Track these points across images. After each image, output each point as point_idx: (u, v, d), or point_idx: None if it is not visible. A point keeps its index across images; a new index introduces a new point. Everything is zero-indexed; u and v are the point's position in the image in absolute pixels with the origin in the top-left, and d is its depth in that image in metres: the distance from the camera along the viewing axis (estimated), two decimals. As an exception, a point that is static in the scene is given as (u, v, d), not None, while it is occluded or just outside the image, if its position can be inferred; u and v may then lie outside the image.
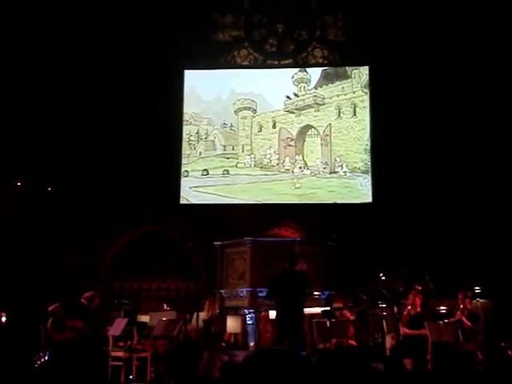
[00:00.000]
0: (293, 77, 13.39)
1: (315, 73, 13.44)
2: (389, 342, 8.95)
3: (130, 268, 12.93)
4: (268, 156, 13.22)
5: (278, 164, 13.17)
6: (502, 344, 8.57)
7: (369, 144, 12.92)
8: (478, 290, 9.79)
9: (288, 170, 13.10)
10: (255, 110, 13.40)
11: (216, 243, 10.11)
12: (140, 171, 12.71)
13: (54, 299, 8.39)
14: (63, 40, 12.74)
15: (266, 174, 13.12)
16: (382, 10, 12.88)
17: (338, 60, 13.68)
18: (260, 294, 9.03)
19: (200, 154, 13.40)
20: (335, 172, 12.94)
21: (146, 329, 9.14)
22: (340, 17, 13.70)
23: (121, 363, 8.19)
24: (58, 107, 12.71)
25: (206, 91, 13.57)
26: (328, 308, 8.96)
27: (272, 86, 13.38)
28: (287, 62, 13.83)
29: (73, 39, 12.79)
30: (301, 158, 13.12)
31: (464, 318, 8.70)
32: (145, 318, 9.76)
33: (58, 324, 7.92)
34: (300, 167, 13.08)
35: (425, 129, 12.42)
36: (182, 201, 13.08)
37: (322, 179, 12.95)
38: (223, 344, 8.84)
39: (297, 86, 13.37)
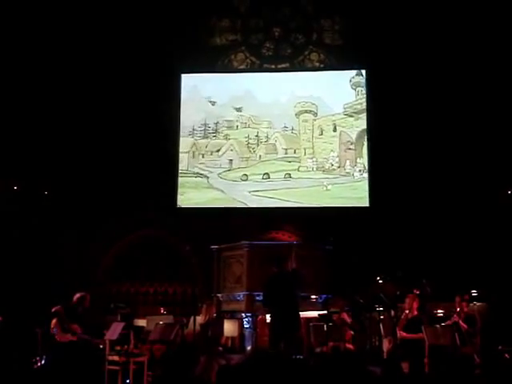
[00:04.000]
0: (350, 80, 13.31)
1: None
2: (386, 345, 8.94)
3: (127, 272, 12.91)
4: (330, 160, 13.11)
5: (339, 167, 13.08)
6: (499, 347, 8.57)
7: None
8: (474, 293, 9.81)
9: (348, 173, 13.01)
10: (316, 113, 13.31)
11: (213, 247, 10.10)
12: (137, 175, 12.71)
13: (51, 303, 8.41)
14: (62, 44, 12.74)
15: (327, 178, 13.01)
16: (378, 14, 12.91)
17: (334, 63, 13.70)
18: (257, 298, 9.01)
19: (260, 157, 13.33)
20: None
21: (142, 333, 9.11)
22: (336, 20, 13.74)
23: (118, 367, 8.14)
24: (57, 111, 12.71)
25: (264, 94, 13.42)
26: (325, 312, 8.95)
27: (331, 89, 13.27)
28: (284, 65, 13.86)
29: (71, 43, 12.80)
30: (361, 161, 13.05)
31: (461, 321, 8.70)
32: (142, 322, 9.73)
33: (61, 323, 8.09)
34: (360, 170, 13.01)
35: (423, 132, 12.44)
36: (241, 205, 13.00)
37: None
38: (220, 348, 8.82)
39: (354, 89, 13.31)
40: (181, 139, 13.39)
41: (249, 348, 9.05)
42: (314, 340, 8.67)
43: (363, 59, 13.14)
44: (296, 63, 13.86)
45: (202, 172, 13.33)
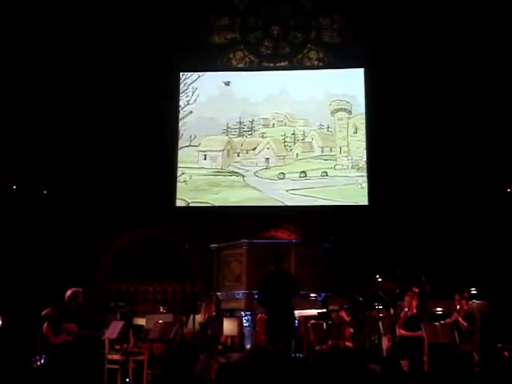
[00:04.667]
0: None
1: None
2: (385, 343, 8.94)
3: (126, 270, 12.91)
4: (364, 158, 13.05)
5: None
6: (499, 345, 8.57)
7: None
8: (474, 291, 9.81)
9: None
10: (350, 112, 13.23)
11: (212, 245, 10.11)
12: (136, 174, 12.71)
13: (51, 302, 8.36)
14: (62, 44, 12.74)
15: (362, 176, 12.94)
16: (377, 12, 12.91)
17: (333, 62, 13.70)
18: (256, 296, 9.01)
19: (297, 155, 13.25)
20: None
21: (142, 332, 9.11)
22: (335, 19, 13.73)
23: (117, 366, 8.15)
24: (56, 110, 12.70)
25: (299, 91, 13.33)
26: (324, 310, 8.95)
27: (364, 86, 13.20)
28: (283, 64, 13.85)
29: (70, 43, 12.80)
30: None
31: (461, 319, 8.71)
32: (141, 321, 9.73)
33: (54, 326, 7.91)
34: None
35: (422, 131, 12.44)
36: (278, 204, 12.92)
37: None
38: (220, 346, 8.82)
39: None
40: (214, 137, 13.36)
41: (248, 346, 9.06)
42: (313, 338, 8.67)
43: (362, 58, 13.14)
44: (295, 61, 13.85)
45: (237, 171, 13.24)
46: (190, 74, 13.65)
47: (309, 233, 11.84)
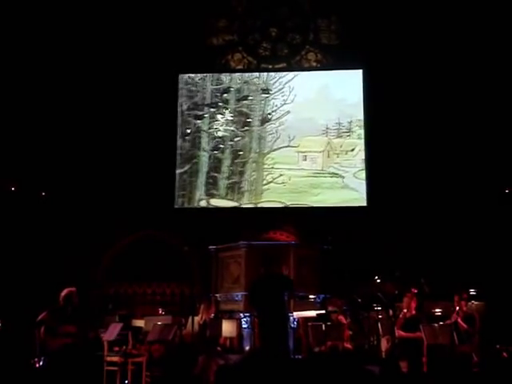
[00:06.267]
0: None
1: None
2: (384, 344, 8.95)
3: (125, 272, 12.90)
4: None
5: None
6: (497, 346, 8.58)
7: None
8: (473, 292, 9.82)
9: None
10: None
11: (211, 247, 10.09)
12: (136, 175, 12.71)
13: (48, 305, 8.26)
14: (62, 46, 12.76)
15: None
16: (375, 13, 12.93)
17: (331, 63, 13.71)
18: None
19: None
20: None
21: (141, 333, 9.11)
22: (333, 20, 13.74)
23: (116, 368, 8.15)
24: (55, 110, 12.71)
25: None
26: (323, 311, 8.94)
27: None
28: (281, 65, 13.86)
29: (71, 45, 12.82)
30: None
31: (460, 320, 8.72)
32: (140, 323, 9.72)
33: (50, 331, 7.74)
34: None
35: (420, 132, 12.45)
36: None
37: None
38: (219, 348, 8.82)
39: None
40: (314, 138, 13.35)
41: (247, 348, 9.05)
42: (312, 339, 8.65)
43: (360, 59, 13.16)
44: (293, 63, 13.86)
45: (337, 172, 13.23)
46: (285, 73, 13.67)
47: (307, 234, 11.84)
